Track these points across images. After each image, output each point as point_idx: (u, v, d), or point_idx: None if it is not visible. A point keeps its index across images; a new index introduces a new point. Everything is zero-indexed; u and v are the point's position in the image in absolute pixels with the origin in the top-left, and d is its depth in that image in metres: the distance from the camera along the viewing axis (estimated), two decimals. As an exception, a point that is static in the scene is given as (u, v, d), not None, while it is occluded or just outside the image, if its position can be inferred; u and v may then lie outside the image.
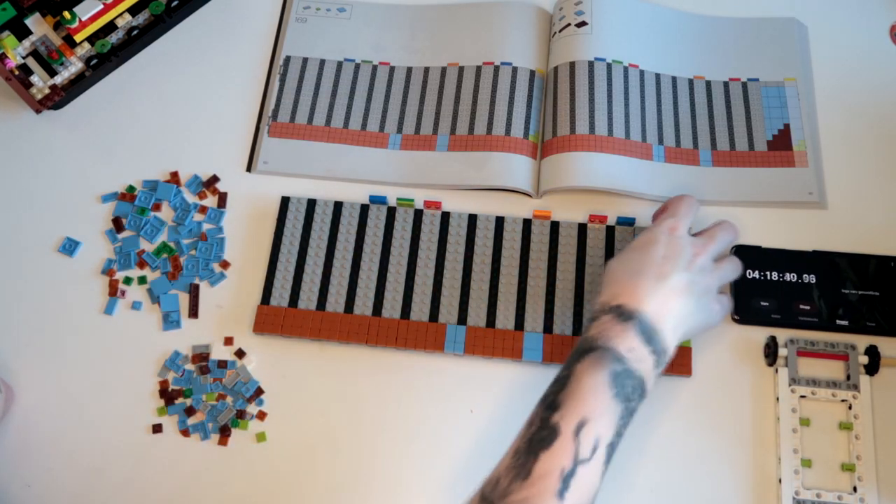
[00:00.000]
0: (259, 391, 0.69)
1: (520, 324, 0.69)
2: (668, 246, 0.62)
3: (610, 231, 0.72)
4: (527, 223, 0.73)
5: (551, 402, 0.56)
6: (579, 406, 0.54)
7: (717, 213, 0.73)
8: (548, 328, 0.69)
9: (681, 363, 0.67)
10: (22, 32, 0.79)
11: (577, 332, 0.69)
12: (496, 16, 0.81)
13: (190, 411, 0.69)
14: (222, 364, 0.70)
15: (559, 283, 0.70)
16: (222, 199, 0.76)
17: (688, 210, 0.65)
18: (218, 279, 0.73)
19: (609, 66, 0.76)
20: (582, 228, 0.72)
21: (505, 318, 0.69)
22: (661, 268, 0.60)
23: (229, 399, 0.69)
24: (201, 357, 0.70)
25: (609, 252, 0.71)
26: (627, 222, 0.72)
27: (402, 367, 0.69)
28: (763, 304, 0.69)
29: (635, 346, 0.57)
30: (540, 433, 0.54)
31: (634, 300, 0.58)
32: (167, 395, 0.69)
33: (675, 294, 0.59)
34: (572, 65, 0.77)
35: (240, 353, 0.70)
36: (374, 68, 0.81)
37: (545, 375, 0.68)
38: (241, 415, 0.68)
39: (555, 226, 0.73)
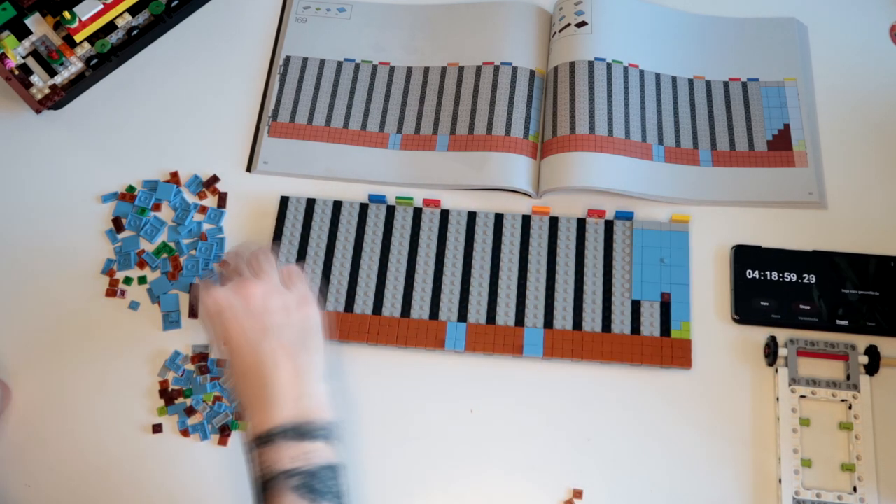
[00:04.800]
0: (259, 391, 0.69)
1: (520, 320, 0.69)
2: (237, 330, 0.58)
3: (609, 225, 0.72)
4: (526, 219, 0.73)
5: None
6: None
7: (718, 212, 0.73)
8: (548, 323, 0.69)
9: (681, 355, 0.67)
10: (22, 32, 0.79)
11: (578, 326, 0.69)
12: (496, 16, 0.81)
13: (190, 411, 0.69)
14: (222, 364, 0.70)
15: (559, 278, 0.70)
16: (222, 199, 0.76)
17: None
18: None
19: (609, 66, 0.76)
20: (581, 223, 0.72)
21: (505, 315, 0.69)
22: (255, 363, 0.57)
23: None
24: (201, 357, 0.70)
25: (608, 246, 0.71)
26: (626, 216, 0.72)
27: (403, 366, 0.69)
28: (763, 304, 0.69)
29: (294, 451, 0.54)
30: None
31: (264, 420, 0.55)
32: (167, 395, 0.69)
33: (280, 363, 0.57)
34: (572, 65, 0.77)
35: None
36: (374, 68, 0.81)
37: (546, 371, 0.68)
38: (240, 415, 0.68)
39: (554, 221, 0.73)
